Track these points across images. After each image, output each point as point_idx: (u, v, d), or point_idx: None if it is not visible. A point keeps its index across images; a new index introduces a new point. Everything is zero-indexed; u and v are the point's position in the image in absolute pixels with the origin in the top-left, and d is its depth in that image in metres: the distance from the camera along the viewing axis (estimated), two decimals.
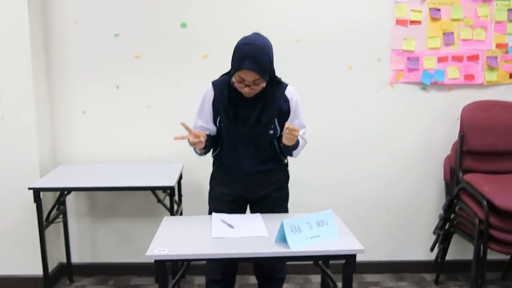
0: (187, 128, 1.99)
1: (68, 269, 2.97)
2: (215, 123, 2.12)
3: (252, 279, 2.66)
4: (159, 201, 2.56)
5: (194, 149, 2.09)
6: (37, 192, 2.46)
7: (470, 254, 2.58)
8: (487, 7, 2.82)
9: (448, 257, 2.92)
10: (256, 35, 1.96)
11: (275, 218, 1.95)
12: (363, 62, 2.86)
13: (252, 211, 2.24)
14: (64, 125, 2.90)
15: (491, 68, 2.87)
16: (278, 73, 2.09)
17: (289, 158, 2.25)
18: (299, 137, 2.02)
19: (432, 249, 2.95)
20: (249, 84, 1.92)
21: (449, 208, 2.82)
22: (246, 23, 2.69)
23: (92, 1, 2.78)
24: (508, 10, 2.82)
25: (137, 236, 3.01)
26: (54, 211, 2.72)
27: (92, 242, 3.04)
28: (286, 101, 2.08)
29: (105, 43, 2.82)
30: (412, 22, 2.82)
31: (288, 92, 2.09)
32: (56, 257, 2.99)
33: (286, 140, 1.97)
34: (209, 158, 2.25)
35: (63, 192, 2.73)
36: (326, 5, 2.81)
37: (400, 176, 3.00)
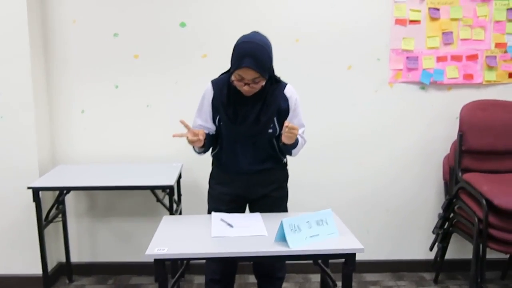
0: (186, 126, 1.99)
1: (68, 269, 2.97)
2: (214, 122, 2.12)
3: (252, 278, 2.66)
4: (158, 200, 2.55)
5: (193, 147, 2.09)
6: (36, 191, 2.46)
7: (469, 253, 2.59)
8: (486, 6, 2.82)
9: (447, 256, 2.92)
10: (256, 34, 1.96)
11: (275, 218, 1.96)
12: (362, 62, 2.87)
13: (252, 211, 2.24)
14: (63, 124, 2.90)
15: (490, 68, 2.88)
16: (277, 73, 2.09)
17: (288, 157, 2.25)
18: (298, 136, 2.03)
19: (431, 248, 2.95)
20: (248, 83, 1.92)
21: (448, 207, 2.82)
22: (245, 22, 2.69)
23: (91, 1, 2.78)
24: (507, 9, 2.83)
25: (137, 236, 3.01)
26: (53, 211, 2.72)
27: (92, 241, 3.03)
28: (286, 100, 2.08)
29: (104, 42, 2.82)
30: (411, 21, 2.83)
31: (288, 91, 2.09)
32: (56, 257, 2.99)
33: (286, 139, 1.97)
34: (208, 157, 2.25)
35: (62, 191, 2.73)
36: (325, 5, 2.81)
37: (399, 176, 3.00)
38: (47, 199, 2.76)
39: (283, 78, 2.13)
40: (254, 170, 2.12)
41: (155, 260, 1.70)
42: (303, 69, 2.84)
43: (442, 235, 2.86)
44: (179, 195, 2.89)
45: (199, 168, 2.65)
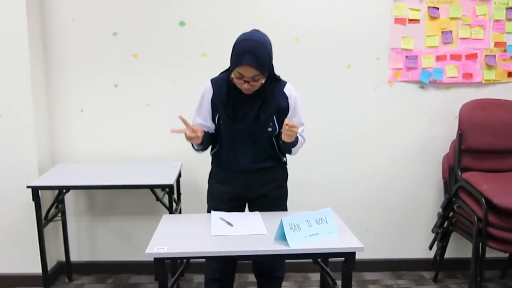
0: (184, 122, 1.98)
1: (67, 268, 2.97)
2: (214, 121, 2.12)
3: (251, 277, 2.66)
4: (158, 199, 2.55)
5: (192, 144, 2.09)
6: (35, 190, 2.46)
7: (468, 252, 2.59)
8: (486, 5, 2.82)
9: (447, 255, 2.92)
10: (256, 32, 1.96)
11: (274, 216, 1.96)
12: (362, 61, 2.87)
13: (251, 210, 2.24)
14: (62, 123, 2.90)
15: (489, 67, 2.88)
16: (277, 72, 2.09)
17: (288, 156, 2.25)
18: (298, 135, 2.03)
19: (430, 247, 2.96)
20: (248, 80, 1.92)
21: (447, 206, 2.82)
22: (244, 21, 2.69)
23: None
24: (506, 8, 2.83)
25: (136, 235, 3.01)
26: (53, 210, 2.71)
27: (91, 240, 3.03)
28: (285, 98, 2.08)
29: (104, 41, 2.81)
30: (411, 20, 2.83)
31: (287, 90, 2.10)
32: (55, 256, 2.99)
33: (286, 137, 1.97)
34: (208, 156, 2.25)
35: (62, 190, 2.72)
36: (325, 4, 2.81)
37: (398, 175, 3.00)
38: (47, 198, 2.76)
39: (282, 77, 2.13)
40: (254, 169, 2.12)
41: (155, 259, 1.70)
42: (303, 68, 2.84)
43: (442, 234, 2.86)
44: (179, 194, 2.89)
45: (199, 167, 2.65)
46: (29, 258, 2.79)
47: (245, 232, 1.86)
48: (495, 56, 2.87)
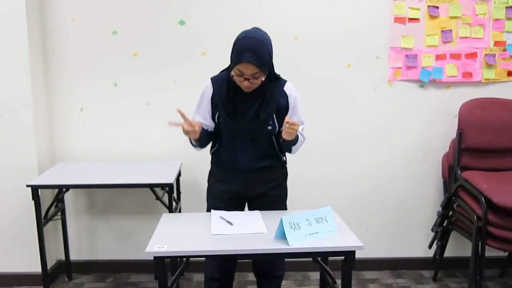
0: (182, 116, 1.97)
1: (67, 266, 2.97)
2: (213, 119, 2.12)
3: (251, 276, 2.67)
4: (157, 198, 2.55)
5: (190, 140, 2.08)
6: (35, 189, 2.47)
7: (468, 251, 2.59)
8: (485, 5, 2.82)
9: (446, 254, 2.93)
10: (256, 30, 1.97)
11: (274, 215, 1.96)
12: (362, 60, 2.87)
13: (250, 209, 2.24)
14: (62, 122, 2.90)
15: (489, 66, 2.88)
16: (276, 70, 2.09)
17: (287, 155, 2.25)
18: (298, 133, 2.03)
19: (430, 246, 2.96)
20: (248, 78, 1.92)
21: (447, 205, 2.83)
22: (244, 20, 2.69)
23: None
24: (506, 7, 2.83)
25: (136, 234, 3.01)
26: (53, 209, 2.71)
27: (91, 239, 3.03)
28: (285, 97, 2.08)
29: (103, 40, 2.81)
30: (410, 19, 2.83)
31: (287, 88, 2.10)
32: (55, 255, 2.99)
33: (286, 135, 1.97)
34: (207, 155, 2.26)
35: (62, 189, 2.73)
36: (325, 3, 2.81)
37: (398, 173, 3.01)
38: (46, 197, 2.76)
39: (282, 76, 2.13)
40: (253, 168, 2.12)
41: (155, 257, 1.70)
42: (302, 67, 2.84)
43: (441, 233, 2.87)
44: (178, 193, 2.89)
45: (198, 166, 2.65)
46: (28, 257, 2.80)
47: (245, 231, 1.86)
48: (494, 55, 2.87)
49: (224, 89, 2.05)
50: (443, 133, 2.93)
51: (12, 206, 2.78)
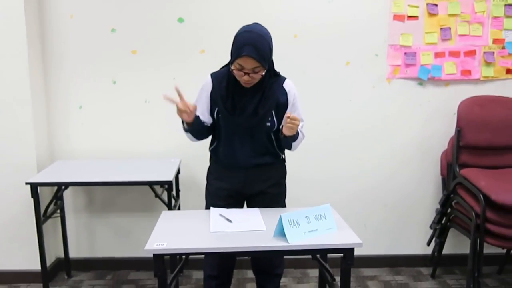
0: (179, 94, 1.95)
1: (66, 264, 2.97)
2: (212, 115, 2.12)
3: (250, 274, 2.67)
4: (156, 196, 2.56)
5: (182, 123, 2.04)
6: (34, 187, 2.46)
7: (466, 248, 2.60)
8: (484, 2, 2.82)
9: (445, 251, 2.94)
10: (256, 25, 1.97)
11: (273, 213, 1.96)
12: (361, 57, 2.87)
13: (249, 207, 2.23)
14: (61, 120, 2.90)
15: (488, 64, 2.88)
16: (276, 68, 2.09)
17: (286, 153, 2.25)
18: (298, 129, 2.02)
19: (428, 243, 2.97)
20: (248, 72, 1.92)
21: (445, 202, 2.83)
22: (243, 18, 2.67)
23: None
24: (505, 5, 2.83)
25: (135, 231, 3.01)
26: (52, 206, 2.71)
27: (90, 237, 3.04)
28: (284, 93, 2.09)
29: (102, 38, 2.81)
30: (409, 17, 2.83)
31: (287, 85, 2.10)
32: (54, 252, 2.99)
33: (287, 130, 1.97)
34: (206, 153, 2.26)
35: (61, 187, 2.73)
36: (324, 0, 2.81)
37: (397, 171, 3.01)
38: (45, 195, 2.76)
39: (281, 73, 2.13)
40: (252, 164, 2.12)
41: (154, 255, 1.70)
42: (301, 64, 2.84)
43: (440, 230, 2.87)
44: (178, 190, 2.89)
45: (197, 164, 2.66)
46: (28, 254, 2.80)
47: (244, 228, 1.86)
48: (493, 53, 2.87)
49: (223, 84, 2.05)
50: (441, 131, 2.94)
51: (11, 203, 2.78)
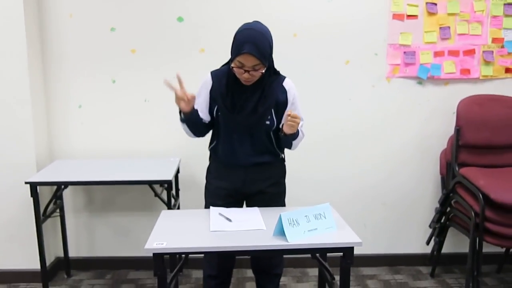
0: (179, 82, 1.95)
1: (66, 263, 2.97)
2: (211, 113, 2.11)
3: (250, 273, 2.67)
4: (156, 195, 2.56)
5: (180, 114, 2.03)
6: (34, 186, 2.46)
7: (465, 247, 2.61)
8: (483, 1, 2.82)
9: (444, 250, 2.94)
10: (257, 23, 1.97)
11: (273, 212, 1.97)
12: (360, 57, 2.87)
13: (249, 207, 2.23)
14: (60, 119, 2.89)
15: (487, 63, 2.89)
16: (275, 67, 2.09)
17: (286, 152, 2.25)
18: (298, 128, 2.02)
19: (428, 242, 2.97)
20: (248, 70, 1.92)
21: (445, 201, 2.84)
22: (243, 17, 2.67)
23: None
24: (504, 4, 2.83)
25: (135, 230, 3.01)
26: (51, 206, 2.71)
27: (90, 236, 3.04)
28: (284, 92, 2.09)
29: (101, 37, 2.80)
30: (409, 16, 2.83)
31: (286, 84, 2.10)
32: (54, 251, 2.99)
33: (287, 128, 1.97)
34: (206, 151, 2.26)
35: (60, 186, 2.72)
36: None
37: (396, 170, 3.01)
38: (45, 194, 2.76)
39: (281, 73, 2.13)
40: (251, 163, 2.12)
41: (154, 254, 1.70)
42: (301, 63, 2.84)
43: (439, 229, 2.88)
44: (177, 190, 2.89)
45: (197, 163, 2.66)
46: (27, 254, 2.80)
47: (244, 228, 1.86)
48: (492, 52, 2.88)
49: (223, 82, 2.05)
50: (441, 130, 2.94)
51: (11, 203, 2.78)
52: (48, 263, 2.78)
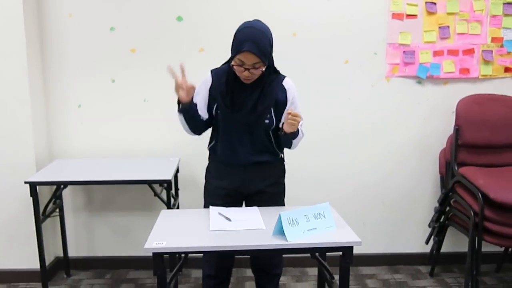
0: (182, 71, 1.96)
1: (65, 263, 2.97)
2: (210, 111, 2.11)
3: (249, 272, 2.67)
4: (156, 194, 2.56)
5: (178, 103, 2.04)
6: (33, 186, 2.46)
7: (465, 247, 2.61)
8: (483, 1, 2.83)
9: (443, 249, 2.95)
10: (257, 21, 1.97)
11: (272, 211, 1.97)
12: (359, 56, 2.87)
13: (248, 206, 2.24)
14: (60, 119, 2.89)
15: (486, 62, 2.89)
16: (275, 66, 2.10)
17: (285, 152, 2.25)
18: (298, 127, 2.02)
19: (427, 242, 2.98)
20: (248, 68, 1.92)
21: (444, 201, 2.84)
22: (242, 16, 2.66)
23: None
24: (503, 4, 2.84)
25: (134, 230, 3.01)
26: (51, 205, 2.71)
27: (89, 236, 3.04)
28: (284, 91, 2.09)
29: (101, 36, 2.80)
30: (408, 16, 2.83)
31: (286, 83, 2.10)
32: (53, 251, 2.99)
33: (288, 126, 1.97)
34: (205, 151, 2.26)
35: (60, 186, 2.72)
36: None
37: (395, 169, 3.02)
38: (44, 194, 2.76)
39: (280, 72, 2.13)
40: (251, 162, 2.12)
41: (154, 253, 1.70)
42: (300, 63, 2.84)
43: (438, 229, 2.88)
44: (177, 189, 2.89)
45: (196, 162, 2.66)
46: (27, 253, 2.80)
47: (243, 227, 1.86)
48: (492, 51, 2.88)
49: (223, 80, 2.06)
50: (440, 129, 2.94)
51: (10, 203, 2.78)
52: (47, 262, 2.78)
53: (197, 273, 2.92)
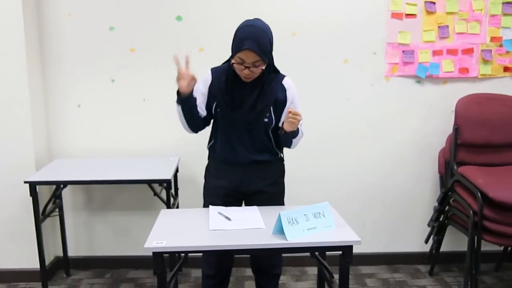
0: (186, 62, 1.98)
1: (65, 263, 2.97)
2: (209, 109, 2.12)
3: (249, 272, 2.68)
4: (155, 194, 2.56)
5: (177, 94, 2.03)
6: (33, 185, 2.46)
7: (464, 246, 2.61)
8: (482, 0, 2.83)
9: (443, 248, 2.95)
10: (257, 20, 1.98)
11: (272, 211, 1.97)
12: (359, 56, 2.87)
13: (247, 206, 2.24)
14: (59, 119, 2.89)
15: (485, 62, 2.89)
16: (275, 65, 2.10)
17: (285, 151, 2.25)
18: (298, 126, 2.02)
19: (426, 241, 2.98)
20: (248, 66, 1.93)
21: (443, 200, 2.84)
22: (242, 16, 2.66)
23: None
24: (503, 3, 2.84)
25: (134, 230, 3.01)
26: (50, 205, 2.72)
27: (89, 235, 3.04)
28: (283, 90, 2.09)
29: (100, 36, 2.80)
30: (407, 15, 2.83)
31: (286, 82, 2.11)
32: (53, 251, 2.99)
33: (288, 125, 1.97)
34: (205, 150, 2.26)
35: (59, 185, 2.72)
36: None
37: (395, 169, 3.02)
38: (44, 194, 2.76)
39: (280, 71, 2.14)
40: (250, 160, 2.12)
41: (154, 253, 1.70)
42: (300, 62, 2.84)
43: (438, 228, 2.88)
44: (176, 189, 2.89)
45: (196, 162, 2.66)
46: (26, 253, 2.80)
47: (243, 226, 1.87)
48: (491, 50, 2.88)
49: (223, 79, 2.06)
50: (439, 129, 2.94)
51: (10, 202, 2.78)
52: (47, 262, 2.78)
53: (197, 273, 2.92)
